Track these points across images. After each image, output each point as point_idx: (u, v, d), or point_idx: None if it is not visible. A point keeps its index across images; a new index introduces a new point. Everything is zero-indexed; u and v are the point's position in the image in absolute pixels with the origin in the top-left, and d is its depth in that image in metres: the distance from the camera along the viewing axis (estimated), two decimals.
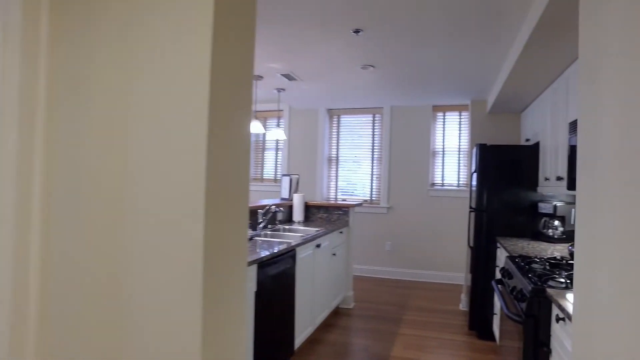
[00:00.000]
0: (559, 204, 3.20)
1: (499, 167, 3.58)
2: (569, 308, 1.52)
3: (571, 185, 2.39)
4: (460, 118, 5.57)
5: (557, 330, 1.66)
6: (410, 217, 5.67)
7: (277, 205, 4.00)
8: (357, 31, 2.75)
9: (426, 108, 5.63)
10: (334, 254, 3.93)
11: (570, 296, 1.69)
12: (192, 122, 1.07)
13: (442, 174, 5.64)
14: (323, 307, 3.67)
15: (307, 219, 4.57)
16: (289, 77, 3.99)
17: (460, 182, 5.55)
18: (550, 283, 1.91)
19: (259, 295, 2.42)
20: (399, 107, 5.73)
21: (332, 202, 4.54)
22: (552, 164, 3.06)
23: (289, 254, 2.87)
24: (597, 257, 1.04)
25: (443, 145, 5.64)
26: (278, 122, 6.42)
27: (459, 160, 5.57)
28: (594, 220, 1.07)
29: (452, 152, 5.61)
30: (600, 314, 1.01)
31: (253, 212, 3.56)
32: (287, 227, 3.90)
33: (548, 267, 2.24)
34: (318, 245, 3.43)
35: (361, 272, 5.84)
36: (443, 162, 5.64)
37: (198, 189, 1.06)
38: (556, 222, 3.24)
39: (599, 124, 1.06)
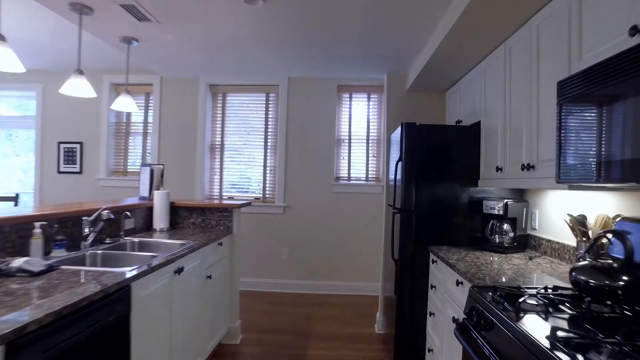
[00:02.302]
0: (509, 202, 2.43)
1: (431, 154, 2.72)
2: None
3: (573, 172, 1.50)
4: (369, 101, 4.74)
5: None
6: (311, 217, 4.68)
7: (132, 207, 2.67)
8: None
9: (331, 85, 4.68)
10: (208, 277, 2.73)
11: None
12: None
13: (349, 166, 4.75)
14: (193, 356, 2.47)
15: (175, 226, 3.29)
16: (136, 12, 2.63)
17: (369, 176, 4.72)
18: (590, 356, 1.00)
19: None
20: (299, 80, 4.69)
21: (212, 202, 3.33)
22: (508, 149, 2.26)
23: (115, 296, 1.62)
24: None
25: (349, 133, 4.75)
26: (146, 100, 4.95)
27: (367, 150, 4.73)
28: None
29: (359, 141, 4.75)
30: None
31: (74, 221, 2.19)
32: (138, 240, 2.60)
33: (550, 309, 1.36)
34: (179, 271, 2.21)
35: (251, 287, 4.70)
36: (349, 152, 4.75)
37: None
38: (505, 226, 2.47)
39: None
